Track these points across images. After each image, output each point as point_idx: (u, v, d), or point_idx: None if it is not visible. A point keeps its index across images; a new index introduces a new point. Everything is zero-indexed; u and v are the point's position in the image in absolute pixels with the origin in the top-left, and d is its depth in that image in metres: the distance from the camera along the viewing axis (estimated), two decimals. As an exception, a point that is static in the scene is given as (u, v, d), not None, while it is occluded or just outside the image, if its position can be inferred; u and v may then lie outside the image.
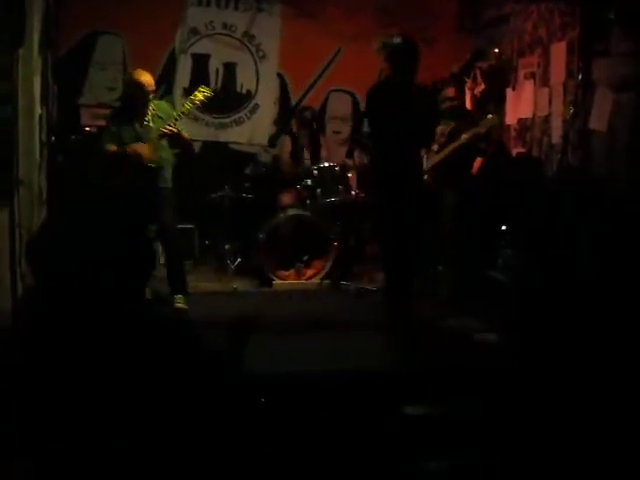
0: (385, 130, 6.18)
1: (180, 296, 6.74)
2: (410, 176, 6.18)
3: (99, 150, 6.65)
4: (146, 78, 6.52)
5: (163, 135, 6.48)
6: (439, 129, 7.15)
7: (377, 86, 6.26)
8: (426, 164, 7.20)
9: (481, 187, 7.52)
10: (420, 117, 6.11)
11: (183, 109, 6.66)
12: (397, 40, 6.10)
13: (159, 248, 7.23)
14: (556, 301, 5.67)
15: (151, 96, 6.59)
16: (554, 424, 4.34)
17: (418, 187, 6.33)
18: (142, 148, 6.50)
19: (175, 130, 6.51)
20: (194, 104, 6.69)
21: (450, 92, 7.19)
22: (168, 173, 6.73)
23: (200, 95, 6.65)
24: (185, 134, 6.72)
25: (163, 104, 6.82)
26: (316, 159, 8.46)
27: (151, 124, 6.59)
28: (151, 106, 6.63)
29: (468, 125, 6.94)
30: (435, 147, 7.15)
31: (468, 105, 8.63)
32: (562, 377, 4.82)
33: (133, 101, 6.64)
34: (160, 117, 6.60)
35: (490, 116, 6.97)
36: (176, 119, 6.56)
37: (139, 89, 6.50)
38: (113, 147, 6.52)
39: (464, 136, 6.82)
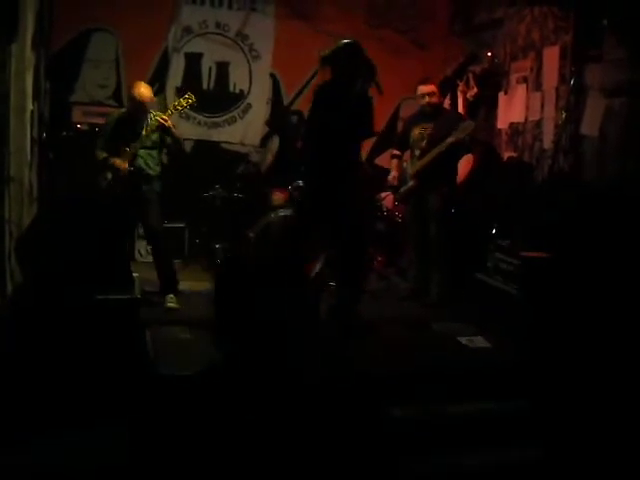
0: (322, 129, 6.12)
1: (171, 296, 6.75)
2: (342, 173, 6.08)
3: (92, 154, 6.87)
4: (142, 90, 6.74)
5: (158, 126, 6.66)
6: (418, 133, 7.15)
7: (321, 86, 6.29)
8: (410, 169, 7.21)
9: (471, 191, 7.54)
10: (352, 115, 6.02)
11: (165, 114, 6.80)
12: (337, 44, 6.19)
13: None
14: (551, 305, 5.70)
15: (148, 108, 6.79)
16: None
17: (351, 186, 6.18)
18: (121, 160, 6.71)
19: (169, 123, 6.69)
20: (177, 110, 6.94)
21: (428, 89, 7.14)
22: (153, 178, 6.84)
23: (184, 102, 6.91)
24: (175, 132, 6.88)
25: (159, 115, 6.91)
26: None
27: (144, 132, 6.75)
28: (151, 115, 6.82)
29: (447, 125, 6.94)
30: (417, 152, 7.14)
31: (460, 109, 8.65)
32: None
33: (130, 110, 6.90)
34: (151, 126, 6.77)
35: (467, 122, 6.97)
36: (171, 112, 6.81)
37: (134, 101, 6.75)
38: (102, 155, 6.79)
39: (448, 140, 6.82)
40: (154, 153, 6.82)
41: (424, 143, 7.06)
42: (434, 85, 7.18)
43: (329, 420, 4.52)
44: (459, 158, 7.22)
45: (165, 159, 7.10)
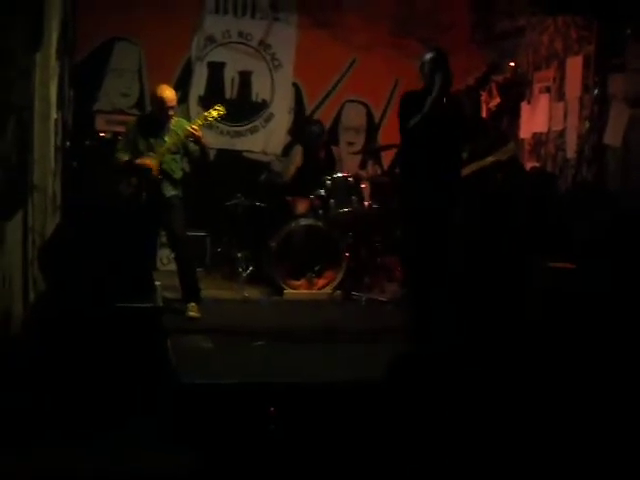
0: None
1: (193, 304, 6.74)
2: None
3: (112, 158, 6.86)
4: (167, 93, 6.72)
5: (187, 135, 6.65)
6: None
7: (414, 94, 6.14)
8: None
9: (495, 201, 7.51)
10: (456, 126, 6.03)
11: (193, 124, 6.80)
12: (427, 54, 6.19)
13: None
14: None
15: (172, 112, 6.76)
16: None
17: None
18: (151, 160, 6.67)
19: (199, 133, 6.68)
20: (207, 121, 6.91)
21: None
22: (177, 183, 6.83)
23: (214, 113, 6.90)
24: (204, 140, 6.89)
25: (183, 121, 6.94)
26: (328, 170, 8.39)
27: (166, 138, 6.74)
28: (172, 121, 6.80)
29: (488, 142, 6.93)
30: None
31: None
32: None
33: (154, 114, 6.91)
34: (177, 133, 6.72)
35: (511, 144, 6.96)
36: (202, 122, 6.78)
37: (159, 103, 6.72)
38: (124, 157, 6.74)
39: (488, 159, 6.80)
40: (177, 158, 6.81)
41: (464, 155, 7.02)
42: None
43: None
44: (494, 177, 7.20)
45: (187, 167, 7.08)
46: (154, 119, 6.85)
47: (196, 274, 7.05)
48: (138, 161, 6.67)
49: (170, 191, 6.77)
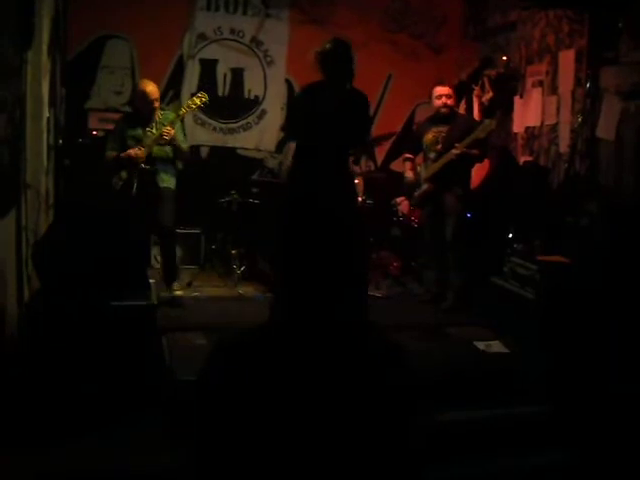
0: (316, 137, 5.82)
1: (176, 283, 7.15)
2: (340, 187, 5.83)
3: (103, 157, 7.01)
4: (150, 88, 6.86)
5: (161, 139, 6.75)
6: (432, 136, 7.10)
7: (307, 90, 6.08)
8: (424, 172, 7.16)
9: (487, 195, 7.51)
10: (351, 121, 5.85)
11: (179, 112, 6.98)
12: (327, 45, 5.86)
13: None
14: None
15: (156, 104, 6.90)
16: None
17: (351, 203, 6.05)
18: (136, 151, 6.80)
19: (169, 136, 6.75)
20: (190, 109, 7.03)
21: (445, 90, 7.10)
22: (169, 174, 6.97)
23: (197, 100, 6.98)
24: (184, 146, 7.07)
25: (170, 114, 7.09)
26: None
27: (154, 130, 6.86)
28: (158, 114, 6.94)
29: (463, 127, 6.91)
30: (432, 155, 7.09)
31: (475, 113, 8.64)
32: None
33: (138, 108, 7.04)
34: (163, 124, 6.86)
35: (487, 121, 6.95)
36: (172, 122, 6.83)
37: (142, 97, 6.86)
38: (113, 153, 6.90)
39: (464, 142, 6.78)
40: (167, 149, 6.91)
41: (439, 146, 7.01)
42: (450, 87, 7.16)
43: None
44: (474, 161, 7.15)
45: (180, 164, 7.13)
46: (139, 113, 6.98)
47: (176, 260, 7.34)
48: (123, 154, 6.82)
49: (164, 182, 6.89)
